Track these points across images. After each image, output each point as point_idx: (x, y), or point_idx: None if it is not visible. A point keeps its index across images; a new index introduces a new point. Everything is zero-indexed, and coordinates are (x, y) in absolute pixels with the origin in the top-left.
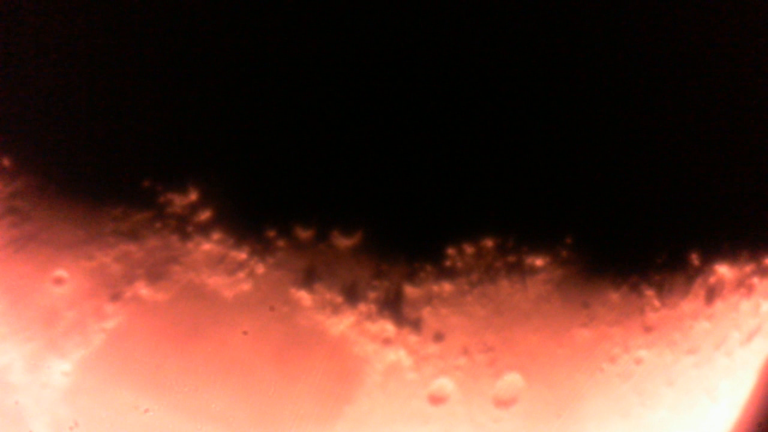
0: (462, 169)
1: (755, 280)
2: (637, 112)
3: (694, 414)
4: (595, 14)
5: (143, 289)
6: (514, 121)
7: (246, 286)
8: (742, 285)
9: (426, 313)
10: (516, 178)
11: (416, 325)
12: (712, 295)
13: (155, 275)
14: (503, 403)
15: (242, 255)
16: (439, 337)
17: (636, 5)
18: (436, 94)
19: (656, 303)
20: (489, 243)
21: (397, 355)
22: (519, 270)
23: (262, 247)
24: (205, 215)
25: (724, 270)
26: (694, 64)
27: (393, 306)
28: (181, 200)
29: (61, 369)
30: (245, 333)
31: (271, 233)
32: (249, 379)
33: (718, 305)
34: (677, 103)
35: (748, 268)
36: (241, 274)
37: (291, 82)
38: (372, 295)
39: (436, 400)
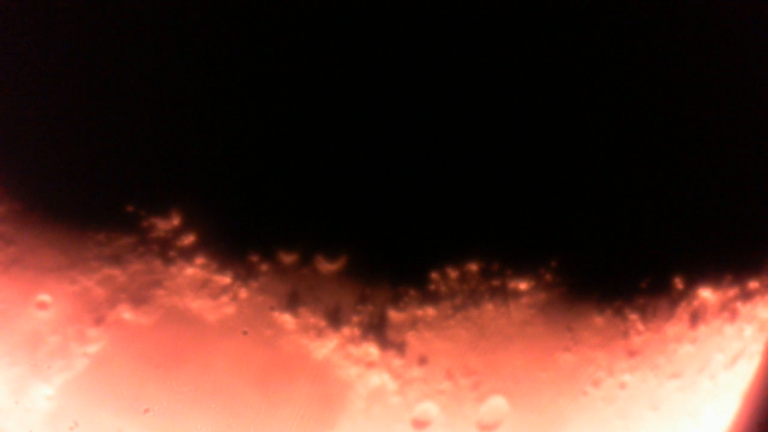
0: (446, 193)
1: (738, 304)
2: (622, 137)
3: None
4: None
5: (126, 314)
6: (498, 146)
7: (229, 311)
8: (726, 309)
9: (410, 336)
10: (500, 202)
11: (400, 348)
12: (695, 318)
13: (138, 299)
14: (487, 427)
15: (226, 279)
16: (422, 360)
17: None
18: (418, 120)
19: (640, 327)
20: (473, 267)
21: (381, 379)
22: (503, 294)
23: (245, 272)
24: (188, 240)
25: (707, 294)
26: (679, 85)
27: (377, 330)
28: (164, 225)
29: (44, 393)
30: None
31: (255, 258)
32: (232, 404)
33: (702, 329)
34: (661, 128)
35: (732, 292)
36: (225, 299)
37: (273, 108)
38: (356, 318)
39: (420, 424)
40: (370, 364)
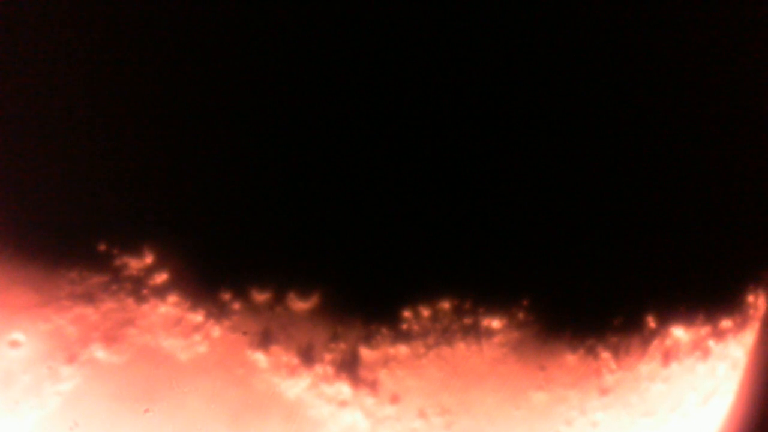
0: (418, 231)
1: (711, 342)
2: (593, 175)
3: None
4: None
5: (99, 352)
6: (469, 185)
7: (202, 349)
8: (698, 347)
9: (382, 375)
10: (472, 240)
11: (372, 387)
12: (668, 357)
13: (111, 338)
14: None
15: (198, 318)
16: (395, 399)
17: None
18: (391, 159)
19: (612, 365)
20: (445, 305)
21: (354, 417)
22: (475, 332)
23: (217, 310)
24: (160, 278)
25: (680, 332)
26: (649, 116)
27: (349, 368)
28: (137, 263)
29: None
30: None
31: (227, 296)
32: None
33: (675, 367)
34: (633, 166)
35: (704, 330)
36: (197, 337)
37: (244, 147)
38: (328, 357)
39: None
40: (343, 403)
